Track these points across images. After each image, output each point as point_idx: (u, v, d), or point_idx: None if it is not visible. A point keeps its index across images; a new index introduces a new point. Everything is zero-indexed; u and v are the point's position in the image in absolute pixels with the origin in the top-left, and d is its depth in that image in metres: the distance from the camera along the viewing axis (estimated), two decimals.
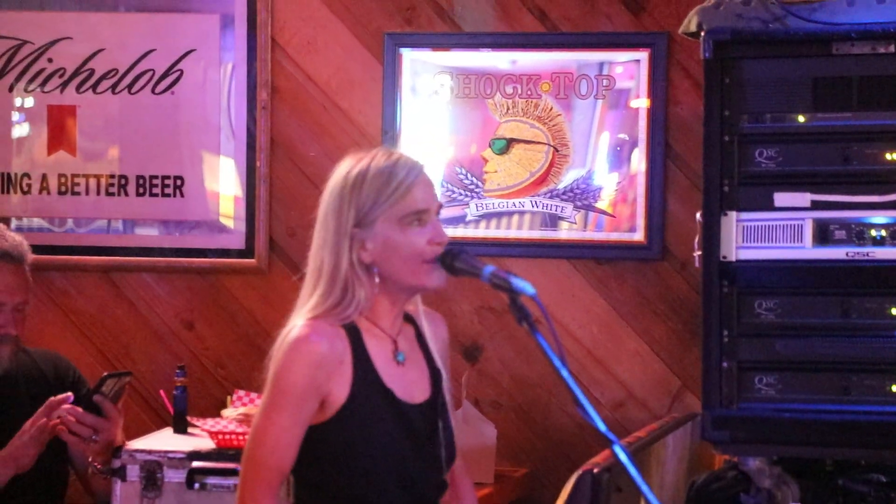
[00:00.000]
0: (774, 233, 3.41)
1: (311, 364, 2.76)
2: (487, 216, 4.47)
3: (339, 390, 2.78)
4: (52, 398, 3.72)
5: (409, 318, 2.96)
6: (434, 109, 4.49)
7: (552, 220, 4.43)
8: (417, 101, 4.49)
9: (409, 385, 2.87)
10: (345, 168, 2.85)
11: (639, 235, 4.38)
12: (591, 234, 4.41)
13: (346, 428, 2.78)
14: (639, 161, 4.37)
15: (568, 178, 4.42)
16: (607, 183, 4.40)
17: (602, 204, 4.40)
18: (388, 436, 2.80)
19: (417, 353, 2.93)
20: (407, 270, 2.81)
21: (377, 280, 2.81)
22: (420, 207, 2.81)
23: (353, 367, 2.80)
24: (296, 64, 4.58)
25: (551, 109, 4.42)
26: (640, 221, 4.37)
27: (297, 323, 2.81)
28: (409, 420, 2.84)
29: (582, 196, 4.41)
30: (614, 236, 4.39)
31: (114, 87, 4.66)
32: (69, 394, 3.72)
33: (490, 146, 4.47)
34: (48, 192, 4.70)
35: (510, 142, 4.46)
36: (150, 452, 3.87)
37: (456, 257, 2.78)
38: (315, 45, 4.57)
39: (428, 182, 2.85)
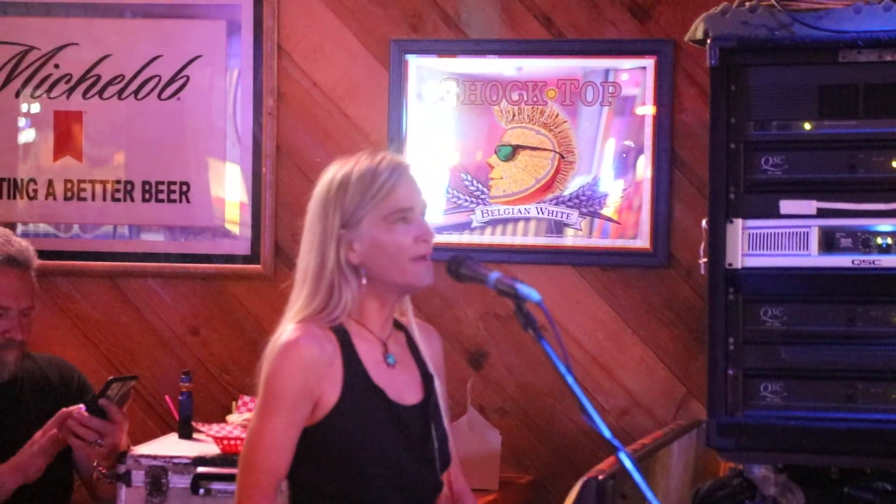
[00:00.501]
0: (780, 240, 3.41)
1: (302, 367, 2.77)
2: (493, 223, 4.47)
3: (331, 392, 2.80)
4: (64, 409, 3.72)
5: (401, 327, 2.97)
6: (440, 116, 4.49)
7: (558, 227, 4.42)
8: (423, 107, 4.49)
9: (400, 387, 2.88)
10: (330, 173, 2.90)
11: (644, 242, 4.38)
12: (597, 241, 4.41)
13: (338, 429, 2.80)
14: (644, 168, 4.37)
15: (574, 184, 4.42)
16: (613, 190, 4.40)
17: (608, 211, 4.40)
18: (382, 436, 2.82)
19: (408, 357, 2.95)
20: (395, 269, 2.83)
21: (364, 281, 2.83)
22: (403, 206, 2.84)
23: (344, 368, 2.82)
24: (302, 70, 4.58)
25: (557, 116, 4.42)
26: (646, 228, 4.37)
27: (286, 327, 2.83)
28: (402, 421, 2.85)
29: (587, 203, 4.41)
30: (620, 243, 4.39)
31: (120, 93, 4.66)
32: (81, 405, 3.71)
33: (496, 153, 4.47)
34: (54, 198, 4.70)
35: (516, 148, 4.46)
36: (155, 458, 3.88)
37: (461, 264, 2.79)
38: (321, 51, 4.57)
39: (412, 181, 2.88)
